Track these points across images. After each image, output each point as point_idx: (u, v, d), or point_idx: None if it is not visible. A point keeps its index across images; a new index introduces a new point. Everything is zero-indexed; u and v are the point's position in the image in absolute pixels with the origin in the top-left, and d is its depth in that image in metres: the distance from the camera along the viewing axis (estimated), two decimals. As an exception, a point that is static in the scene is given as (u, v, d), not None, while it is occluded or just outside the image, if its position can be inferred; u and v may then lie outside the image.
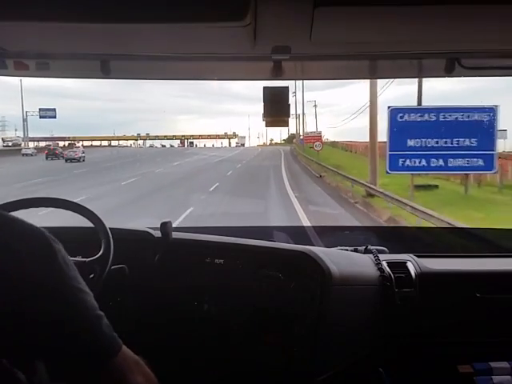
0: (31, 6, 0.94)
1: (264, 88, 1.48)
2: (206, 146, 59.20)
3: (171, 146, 56.48)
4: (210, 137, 63.45)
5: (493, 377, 1.65)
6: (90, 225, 1.46)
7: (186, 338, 1.61)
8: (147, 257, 1.61)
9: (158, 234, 1.66)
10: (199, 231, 1.84)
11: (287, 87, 1.51)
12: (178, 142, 59.98)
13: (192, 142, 59.04)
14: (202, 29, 1.08)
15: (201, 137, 63.11)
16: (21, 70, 1.42)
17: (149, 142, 59.89)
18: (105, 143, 58.67)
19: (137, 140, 59.24)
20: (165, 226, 1.62)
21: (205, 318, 1.62)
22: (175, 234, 1.66)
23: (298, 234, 2.17)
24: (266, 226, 2.22)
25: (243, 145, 60.67)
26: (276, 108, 1.49)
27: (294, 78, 1.63)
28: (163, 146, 58.38)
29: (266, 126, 1.54)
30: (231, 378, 1.62)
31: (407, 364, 1.68)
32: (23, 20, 0.98)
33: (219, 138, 63.60)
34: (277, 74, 1.47)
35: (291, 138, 57.36)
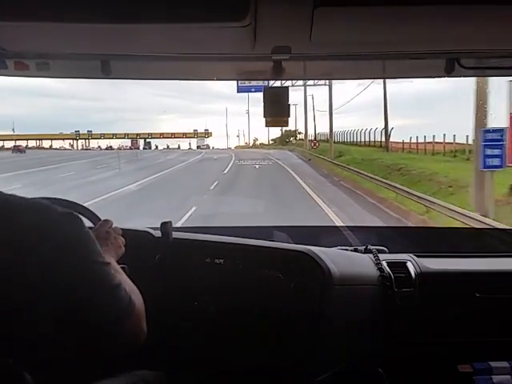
0: (31, 6, 0.94)
1: (264, 88, 1.48)
2: (170, 147, 46.34)
3: (119, 148, 43.44)
4: (173, 136, 49.06)
5: (493, 376, 1.65)
6: (90, 224, 1.45)
7: (185, 338, 1.61)
8: (147, 257, 1.61)
9: (158, 233, 1.66)
10: (199, 231, 1.84)
11: (287, 87, 1.52)
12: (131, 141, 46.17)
13: (149, 143, 46.36)
14: (202, 29, 1.08)
15: (162, 135, 48.59)
16: (21, 69, 1.43)
17: (93, 142, 46.99)
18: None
19: (76, 139, 46.52)
20: (165, 226, 1.62)
21: (205, 318, 1.62)
22: (175, 234, 1.66)
23: (297, 233, 2.16)
24: (266, 225, 2.22)
25: (201, 147, 44.32)
26: (276, 108, 1.50)
27: (294, 78, 1.64)
28: (109, 147, 45.47)
29: (266, 126, 1.55)
30: (231, 378, 1.62)
31: (407, 364, 1.68)
32: (23, 20, 0.98)
33: (186, 137, 49.13)
34: (277, 73, 1.47)
35: (286, 137, 42.73)
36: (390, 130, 22.52)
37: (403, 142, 22.71)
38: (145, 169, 20.12)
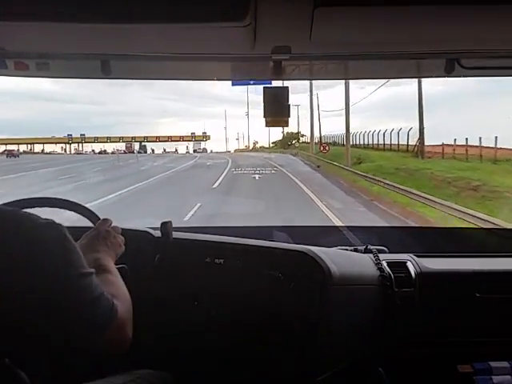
0: (31, 6, 0.94)
1: (264, 88, 1.48)
2: (167, 150, 44.61)
3: (113, 152, 41.23)
4: (170, 139, 45.65)
5: (493, 376, 1.65)
6: (91, 224, 1.46)
7: (185, 338, 1.61)
8: (147, 257, 1.61)
9: (158, 233, 1.66)
10: (199, 231, 1.84)
11: (287, 87, 1.52)
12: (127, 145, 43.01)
13: (145, 146, 43.49)
14: (202, 29, 1.08)
15: (158, 139, 45.12)
16: (21, 69, 1.43)
17: (85, 146, 44.31)
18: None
19: (69, 143, 43.74)
20: (165, 226, 1.62)
21: (204, 318, 1.62)
22: (175, 234, 1.66)
23: (297, 233, 2.16)
24: (266, 225, 2.22)
25: (197, 151, 42.58)
26: (276, 108, 1.50)
27: (293, 78, 1.63)
28: (102, 152, 43.43)
29: (266, 126, 1.55)
30: (231, 378, 1.62)
31: (407, 364, 1.68)
32: (23, 20, 0.98)
33: (184, 141, 45.57)
34: (277, 73, 1.47)
35: (287, 140, 38.75)
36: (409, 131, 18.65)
37: (443, 145, 17.92)
38: (117, 180, 16.07)
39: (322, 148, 22.60)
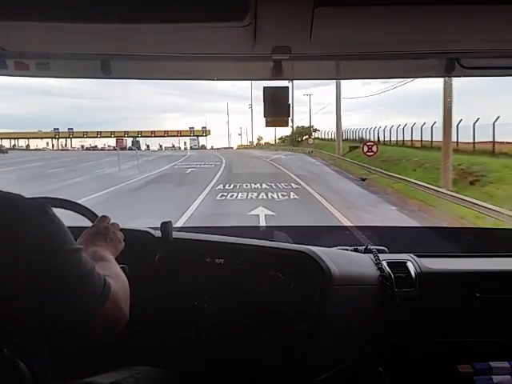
0: (31, 6, 0.94)
1: (264, 88, 1.48)
2: (164, 146, 41.28)
3: (102, 148, 38.49)
4: (166, 134, 41.28)
5: (493, 376, 1.65)
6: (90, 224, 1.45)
7: (185, 338, 1.61)
8: (147, 257, 1.61)
9: (158, 233, 1.66)
10: (199, 231, 1.84)
11: (287, 87, 1.52)
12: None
13: (138, 142, 39.04)
14: (202, 29, 1.08)
15: (154, 134, 40.57)
16: (21, 69, 1.43)
17: (75, 141, 40.68)
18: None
19: (56, 138, 39.93)
20: (165, 226, 1.62)
21: (204, 318, 1.62)
22: (175, 234, 1.66)
23: (297, 233, 2.16)
24: (266, 225, 2.20)
25: (192, 147, 39.62)
26: (276, 108, 1.50)
27: (294, 77, 1.64)
28: (91, 147, 40.57)
29: (267, 126, 1.55)
30: (231, 378, 1.63)
31: (407, 364, 1.68)
32: (23, 20, 0.99)
33: (181, 135, 41.34)
34: (277, 74, 1.47)
35: (297, 136, 31.44)
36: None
37: None
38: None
39: (366, 149, 13.51)
